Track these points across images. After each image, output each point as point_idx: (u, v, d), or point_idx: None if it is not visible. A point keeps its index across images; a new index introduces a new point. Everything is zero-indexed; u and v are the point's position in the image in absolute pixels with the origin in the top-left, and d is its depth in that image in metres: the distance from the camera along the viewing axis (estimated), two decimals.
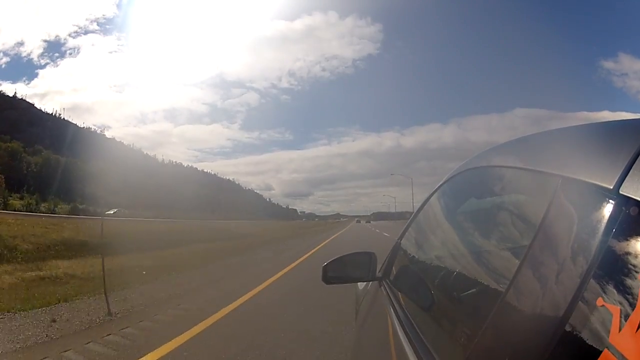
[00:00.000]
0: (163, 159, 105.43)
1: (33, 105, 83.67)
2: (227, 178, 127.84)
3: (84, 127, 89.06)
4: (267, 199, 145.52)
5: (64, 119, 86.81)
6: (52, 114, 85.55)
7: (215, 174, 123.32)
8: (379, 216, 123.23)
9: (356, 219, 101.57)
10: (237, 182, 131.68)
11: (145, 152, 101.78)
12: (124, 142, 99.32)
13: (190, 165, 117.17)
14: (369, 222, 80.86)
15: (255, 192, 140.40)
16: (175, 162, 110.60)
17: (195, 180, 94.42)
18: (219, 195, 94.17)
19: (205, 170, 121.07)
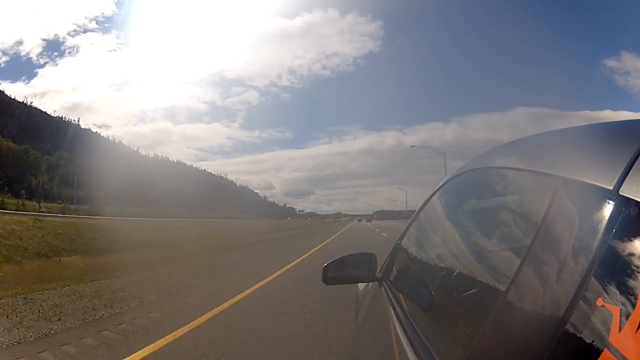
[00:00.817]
0: (147, 153, 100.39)
1: (3, 92, 79.07)
2: (218, 174, 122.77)
3: (55, 117, 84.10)
4: (262, 197, 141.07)
5: (35, 107, 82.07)
6: (22, 102, 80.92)
7: (205, 169, 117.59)
8: (383, 215, 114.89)
9: (357, 219, 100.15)
10: (229, 179, 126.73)
11: (126, 145, 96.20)
12: (101, 134, 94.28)
13: (177, 160, 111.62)
14: (370, 221, 79.02)
15: (250, 190, 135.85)
16: (162, 156, 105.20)
17: (180, 176, 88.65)
18: (206, 192, 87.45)
19: (194, 166, 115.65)
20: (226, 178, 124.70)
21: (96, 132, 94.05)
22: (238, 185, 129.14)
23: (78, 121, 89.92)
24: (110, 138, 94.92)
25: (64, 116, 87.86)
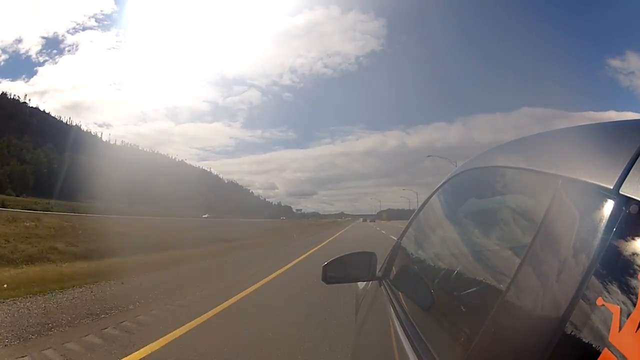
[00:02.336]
0: (114, 141, 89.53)
1: None
2: (202, 167, 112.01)
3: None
4: (253, 194, 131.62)
5: None
6: None
7: (183, 160, 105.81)
8: (393, 215, 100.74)
9: (362, 218, 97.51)
10: (214, 173, 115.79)
11: (91, 133, 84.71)
12: (51, 114, 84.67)
13: (152, 150, 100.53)
14: (374, 221, 77.26)
15: (240, 187, 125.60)
16: (131, 144, 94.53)
17: (147, 166, 77.82)
18: (179, 187, 76.00)
19: (171, 156, 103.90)
20: (210, 171, 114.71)
21: (43, 110, 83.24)
22: (225, 181, 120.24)
23: (25, 98, 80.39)
24: (65, 120, 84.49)
25: (8, 93, 78.30)
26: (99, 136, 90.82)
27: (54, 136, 71.04)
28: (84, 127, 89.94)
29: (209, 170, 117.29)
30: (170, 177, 79.84)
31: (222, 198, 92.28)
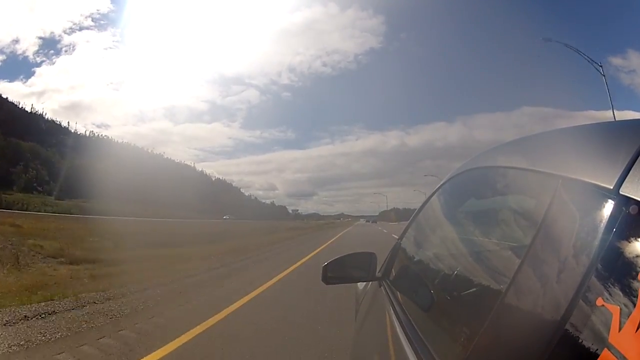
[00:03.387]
0: (76, 128, 75.78)
1: None
2: (183, 162, 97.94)
3: None
4: (242, 192, 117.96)
5: None
6: None
7: (160, 154, 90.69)
8: (403, 214, 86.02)
9: (364, 219, 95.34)
10: (198, 169, 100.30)
11: (55, 121, 71.67)
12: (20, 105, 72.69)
13: (124, 141, 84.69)
14: (375, 222, 74.65)
15: (228, 184, 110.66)
16: (101, 134, 79.72)
17: (120, 160, 65.52)
18: (149, 182, 61.21)
19: (147, 149, 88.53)
20: (193, 167, 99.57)
21: (1, 95, 71.18)
22: (212, 177, 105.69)
23: None
24: (24, 107, 72.55)
25: None
26: (65, 125, 78.08)
27: (7, 123, 61.72)
28: (48, 116, 77.93)
29: (192, 165, 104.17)
30: (140, 170, 67.98)
31: (207, 196, 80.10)
